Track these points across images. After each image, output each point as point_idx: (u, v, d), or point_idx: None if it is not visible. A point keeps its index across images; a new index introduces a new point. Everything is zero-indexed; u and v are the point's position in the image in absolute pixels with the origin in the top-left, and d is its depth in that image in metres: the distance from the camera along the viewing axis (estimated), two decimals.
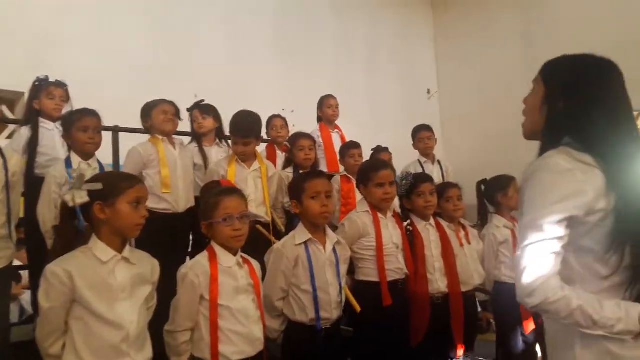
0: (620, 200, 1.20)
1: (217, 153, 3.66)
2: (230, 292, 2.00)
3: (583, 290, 1.22)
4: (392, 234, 2.70)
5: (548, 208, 1.21)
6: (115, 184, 1.78)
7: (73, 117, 2.89)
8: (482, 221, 3.32)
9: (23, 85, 3.58)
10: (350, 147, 3.93)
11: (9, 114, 4.61)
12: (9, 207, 2.58)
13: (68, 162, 2.82)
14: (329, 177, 2.60)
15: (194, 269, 1.99)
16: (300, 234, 2.36)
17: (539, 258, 1.20)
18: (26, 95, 3.41)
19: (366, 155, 4.10)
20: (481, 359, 3.40)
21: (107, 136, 3.32)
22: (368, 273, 2.63)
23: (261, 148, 3.83)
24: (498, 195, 3.20)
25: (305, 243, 2.33)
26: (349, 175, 3.81)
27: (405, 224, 2.86)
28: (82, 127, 2.85)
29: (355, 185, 3.33)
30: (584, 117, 1.29)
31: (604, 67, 1.34)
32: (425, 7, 7.98)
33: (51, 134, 3.22)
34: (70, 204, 1.73)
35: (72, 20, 4.69)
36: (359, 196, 3.09)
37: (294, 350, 2.31)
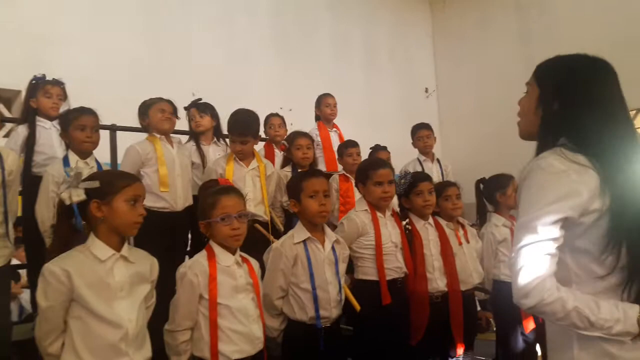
0: (616, 200, 1.20)
1: (215, 151, 3.65)
2: (229, 291, 1.99)
3: (580, 292, 1.22)
4: (391, 232, 2.70)
5: (542, 209, 1.21)
6: (111, 181, 1.78)
7: (70, 116, 2.89)
8: (480, 220, 3.32)
9: (20, 83, 3.57)
10: (349, 146, 3.93)
11: (6, 113, 4.60)
12: (5, 206, 2.57)
13: (66, 161, 2.82)
14: (327, 176, 2.59)
15: (193, 268, 1.98)
16: (299, 232, 2.36)
17: (534, 259, 1.20)
18: (23, 94, 3.40)
19: (364, 154, 4.10)
20: (481, 358, 3.41)
21: (104, 135, 3.32)
22: (367, 272, 2.63)
23: (259, 147, 3.83)
24: (497, 194, 3.20)
25: (304, 242, 2.33)
26: (347, 174, 3.81)
27: (404, 223, 2.86)
28: (79, 126, 2.84)
29: (353, 184, 3.32)
30: (578, 117, 1.29)
31: (597, 67, 1.34)
32: (423, 5, 7.98)
33: (48, 132, 3.21)
34: (67, 203, 1.72)
35: (70, 18, 4.68)
36: (357, 195, 3.10)
37: (294, 349, 2.31)
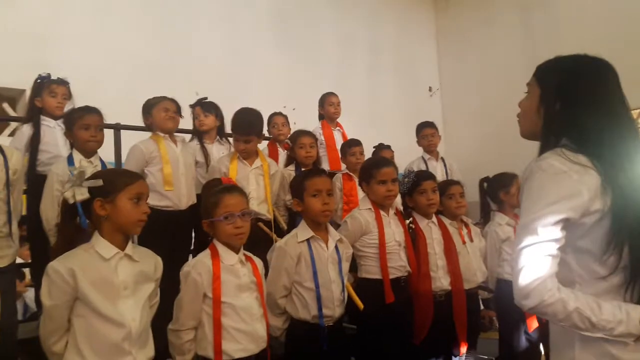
0: (617, 200, 1.20)
1: (219, 150, 3.67)
2: (233, 289, 1.99)
3: (582, 292, 1.22)
4: (394, 231, 2.69)
5: (543, 210, 1.21)
6: (115, 180, 1.77)
7: (75, 115, 2.90)
8: (484, 219, 3.32)
9: (25, 82, 3.58)
10: (352, 145, 3.92)
11: (10, 112, 4.62)
12: (9, 205, 2.58)
13: (70, 160, 2.83)
14: (330, 175, 2.60)
15: (197, 267, 1.98)
16: (303, 231, 2.36)
17: (534, 260, 1.20)
18: (28, 93, 3.41)
19: (368, 152, 4.09)
20: (484, 357, 3.41)
21: (109, 134, 3.32)
22: (370, 270, 2.63)
23: (262, 146, 3.83)
24: (500, 193, 3.20)
25: (307, 240, 2.33)
26: (351, 173, 3.81)
27: (407, 221, 2.85)
28: (84, 125, 2.85)
29: (357, 183, 3.32)
30: (579, 117, 1.28)
31: (597, 67, 1.34)
32: (427, 4, 7.95)
33: (53, 131, 3.22)
34: (71, 201, 1.72)
35: (74, 18, 4.70)
36: (361, 194, 3.09)
37: (297, 348, 2.31)
